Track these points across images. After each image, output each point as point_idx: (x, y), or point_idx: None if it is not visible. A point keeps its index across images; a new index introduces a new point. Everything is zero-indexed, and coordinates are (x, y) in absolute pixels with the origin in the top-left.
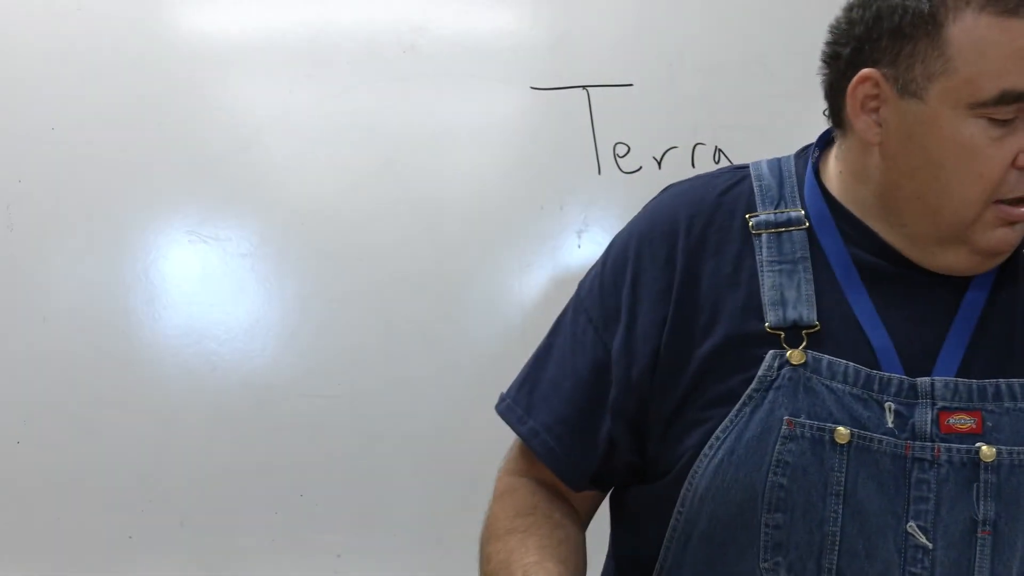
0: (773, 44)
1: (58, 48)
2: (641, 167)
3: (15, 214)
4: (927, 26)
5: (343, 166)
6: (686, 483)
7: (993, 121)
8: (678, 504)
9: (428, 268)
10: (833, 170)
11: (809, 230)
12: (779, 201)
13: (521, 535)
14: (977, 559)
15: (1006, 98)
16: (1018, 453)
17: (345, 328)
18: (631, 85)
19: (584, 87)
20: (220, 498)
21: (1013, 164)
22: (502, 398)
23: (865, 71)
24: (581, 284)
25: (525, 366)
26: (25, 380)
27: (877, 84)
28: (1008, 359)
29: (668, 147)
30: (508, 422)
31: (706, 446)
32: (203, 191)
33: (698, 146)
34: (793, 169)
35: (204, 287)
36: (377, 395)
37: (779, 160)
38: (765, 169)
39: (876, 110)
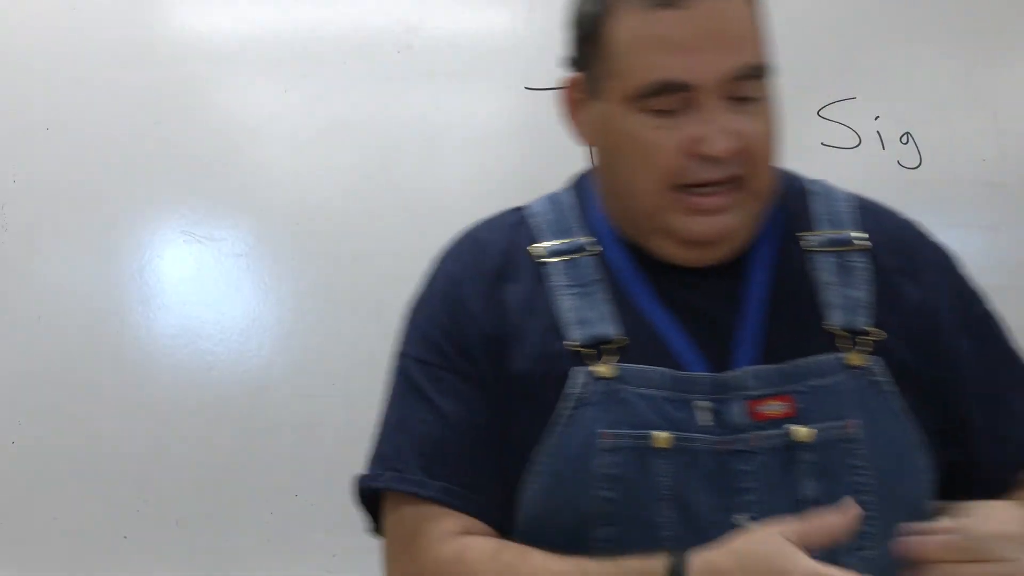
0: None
1: (52, 48)
2: None
3: (9, 214)
4: (597, 28)
5: (338, 166)
6: (519, 510)
7: (656, 112)
8: (517, 532)
9: (423, 268)
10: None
11: (598, 253)
12: (562, 229)
13: (514, 552)
14: None
15: (655, 88)
16: (830, 428)
17: (340, 328)
18: None
19: None
20: (215, 498)
21: (688, 152)
22: (374, 476)
23: (570, 76)
24: (404, 351)
25: (382, 440)
26: (20, 380)
27: (580, 88)
28: (805, 338)
29: None
30: (406, 491)
31: (527, 473)
32: (198, 191)
33: None
34: (574, 199)
35: (199, 287)
36: (372, 395)
37: (551, 196)
38: (539, 206)
39: (585, 113)
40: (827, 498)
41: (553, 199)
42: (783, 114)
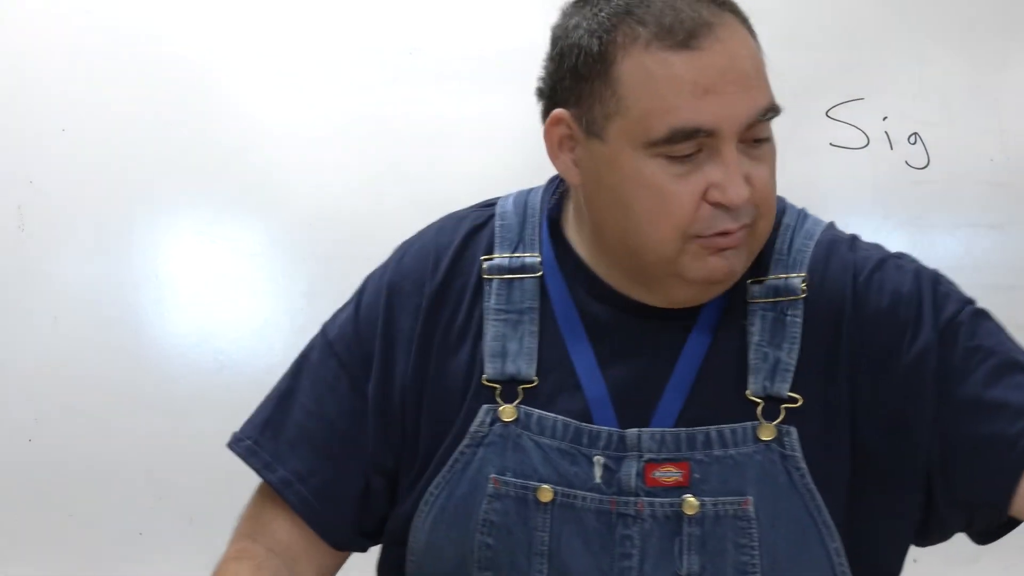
0: (775, 45)
1: (68, 50)
2: None
3: (26, 215)
4: (599, 65)
5: (351, 167)
6: (409, 541)
7: (673, 159)
8: (406, 563)
9: None
10: (570, 210)
11: (542, 277)
12: (517, 244)
13: None
14: None
15: (677, 136)
16: (723, 503)
17: None
18: None
19: None
20: (229, 496)
21: (704, 199)
22: (238, 438)
23: (556, 112)
24: (328, 325)
25: (263, 405)
26: (36, 379)
27: (569, 125)
28: (725, 403)
29: None
30: (253, 467)
31: (422, 502)
32: (212, 192)
33: None
34: (539, 205)
35: (213, 287)
36: None
37: (528, 193)
38: (511, 206)
39: (573, 150)
40: (707, 574)
41: (523, 202)
42: (791, 114)
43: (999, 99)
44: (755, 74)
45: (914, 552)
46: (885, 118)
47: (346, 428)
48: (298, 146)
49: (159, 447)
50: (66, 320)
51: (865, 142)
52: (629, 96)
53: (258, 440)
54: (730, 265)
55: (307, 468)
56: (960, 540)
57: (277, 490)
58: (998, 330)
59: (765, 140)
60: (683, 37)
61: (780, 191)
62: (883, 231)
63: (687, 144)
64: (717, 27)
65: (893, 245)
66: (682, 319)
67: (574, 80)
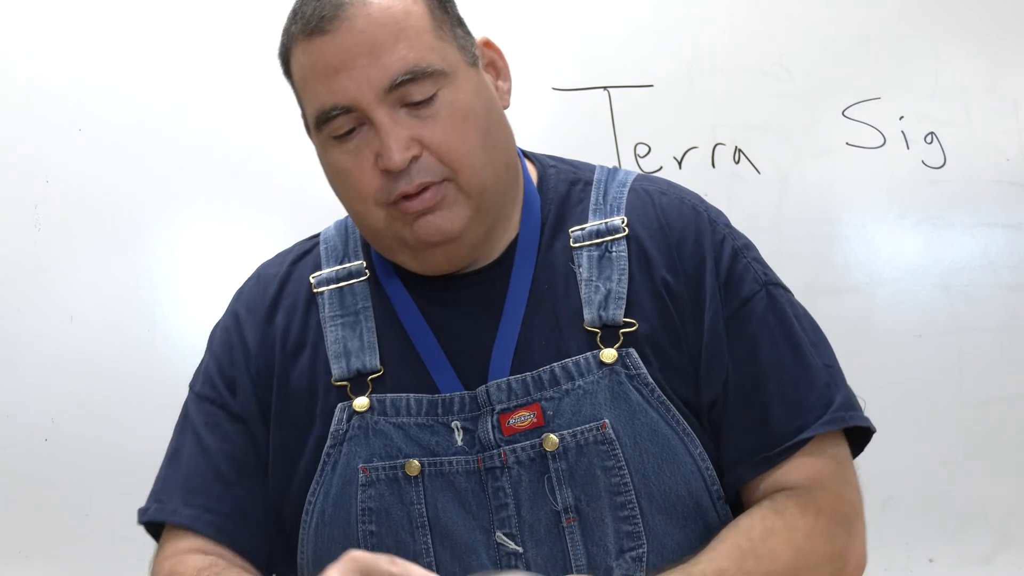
0: (792, 44)
1: (84, 49)
2: (662, 167)
3: (42, 214)
4: (285, 67)
5: None
6: (299, 554)
7: (341, 139)
8: (305, 570)
9: None
10: None
11: (372, 279)
12: (342, 257)
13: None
14: (570, 548)
15: (323, 117)
16: (582, 433)
17: None
18: (651, 86)
19: (605, 88)
20: None
21: (376, 167)
22: (143, 510)
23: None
24: (192, 383)
25: (158, 475)
26: (53, 378)
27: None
28: (561, 341)
29: (688, 147)
30: (159, 519)
31: (303, 514)
32: (229, 191)
33: (718, 146)
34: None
35: (230, 285)
36: None
37: (345, 219)
38: (332, 229)
39: None
40: (586, 504)
41: (344, 223)
42: (807, 114)
43: (1016, 98)
44: (390, 41)
45: (929, 551)
46: (902, 117)
47: (236, 454)
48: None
49: None
50: (82, 319)
51: (882, 142)
52: (299, 90)
53: (159, 499)
54: (442, 224)
55: (211, 502)
56: (976, 540)
57: (188, 526)
58: (783, 326)
59: (431, 100)
60: (316, 23)
61: (797, 189)
62: (899, 231)
63: (340, 122)
64: (348, 7)
65: (910, 245)
66: (496, 272)
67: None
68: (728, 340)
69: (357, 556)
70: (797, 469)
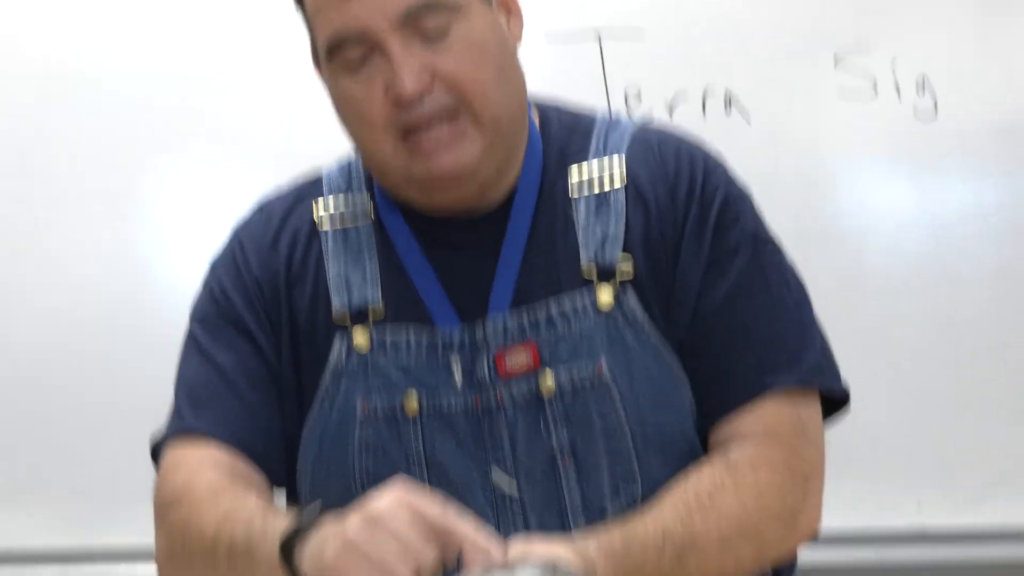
0: None
1: (81, 7)
2: (653, 115)
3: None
4: None
5: None
6: (297, 483)
7: (352, 68)
8: (302, 496)
9: None
10: None
11: (376, 217)
12: (345, 192)
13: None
14: (565, 490)
15: (336, 45)
16: (578, 374)
17: None
18: (642, 34)
19: (596, 35)
20: None
21: (387, 97)
22: (153, 441)
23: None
24: (192, 313)
25: (172, 402)
26: (41, 325)
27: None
28: (556, 284)
29: (678, 97)
30: (174, 432)
31: (300, 448)
32: (217, 132)
33: (708, 97)
34: (358, 158)
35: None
36: None
37: (350, 156)
38: (335, 167)
39: None
40: (581, 445)
41: (347, 161)
42: (798, 63)
43: (1010, 47)
44: None
45: (918, 495)
46: (894, 67)
47: (246, 364)
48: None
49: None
50: (72, 270)
51: (873, 91)
52: (310, 19)
53: (171, 426)
54: (454, 158)
55: (224, 411)
56: (964, 484)
57: (207, 432)
58: (765, 281)
59: (445, 33)
60: None
61: (788, 139)
62: (890, 180)
63: (352, 51)
64: None
65: (901, 195)
66: (499, 217)
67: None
68: (702, 287)
69: (406, 496)
70: (755, 420)
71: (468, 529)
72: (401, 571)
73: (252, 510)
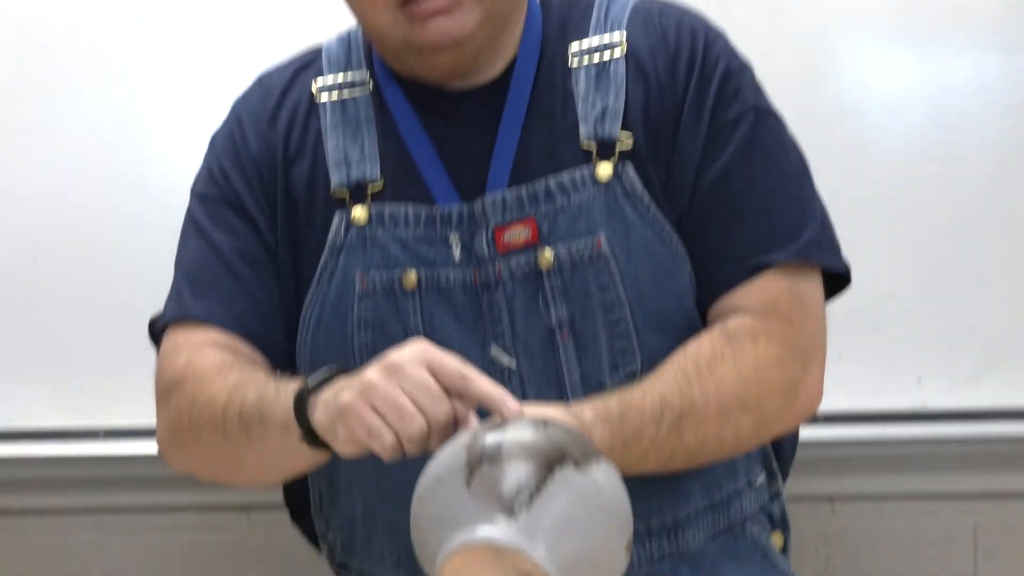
0: None
1: None
2: None
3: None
4: None
5: None
6: (297, 359)
7: None
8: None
9: None
10: None
11: (374, 90)
12: (345, 66)
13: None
14: (564, 364)
15: None
16: (576, 248)
17: None
18: None
19: None
20: None
21: None
22: (158, 318)
23: None
24: (193, 189)
25: (170, 290)
26: (39, 210)
27: None
28: (557, 156)
29: None
30: (172, 318)
31: (300, 325)
32: (221, 37)
33: None
34: (362, 34)
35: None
36: None
37: (351, 29)
38: (335, 41)
39: None
40: (580, 320)
41: (347, 34)
42: None
43: None
44: None
45: (918, 372)
46: None
47: (245, 247)
48: None
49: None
50: (69, 149)
51: None
52: None
53: (171, 308)
54: (452, 25)
55: (222, 295)
56: (964, 361)
57: (204, 318)
58: (764, 154)
59: None
60: None
61: (788, 11)
62: (892, 53)
63: None
64: None
65: (902, 68)
66: (498, 89)
67: None
68: (702, 159)
69: (427, 347)
70: (754, 293)
71: (486, 384)
72: (415, 418)
73: (263, 378)
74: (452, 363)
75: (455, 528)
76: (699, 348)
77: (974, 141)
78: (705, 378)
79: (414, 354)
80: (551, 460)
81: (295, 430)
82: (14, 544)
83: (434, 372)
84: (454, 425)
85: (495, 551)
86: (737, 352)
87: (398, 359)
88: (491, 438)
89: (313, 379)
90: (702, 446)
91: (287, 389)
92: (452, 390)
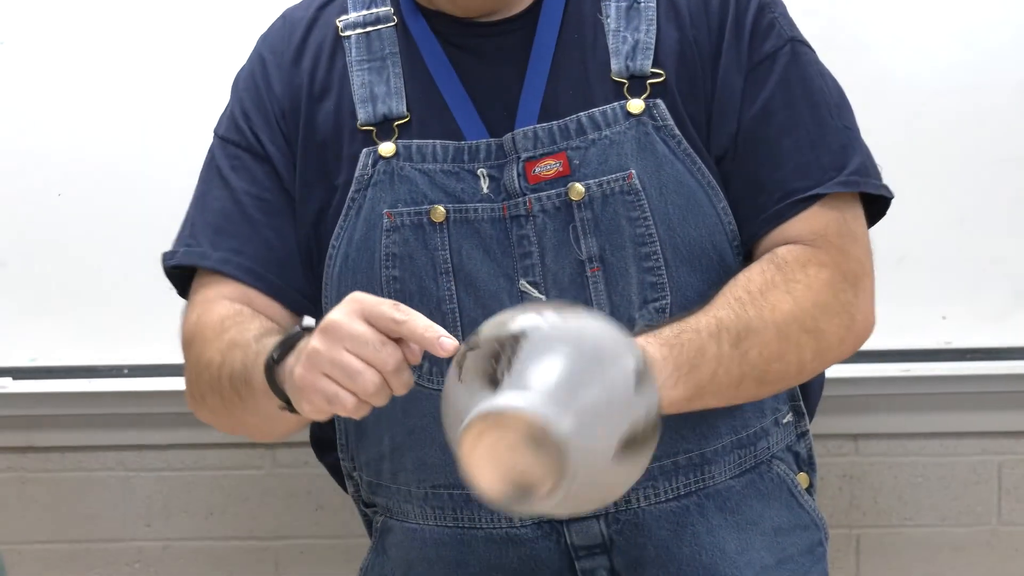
0: None
1: None
2: None
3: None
4: None
5: None
6: (323, 297)
7: None
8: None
9: None
10: None
11: (400, 25)
12: (370, 4)
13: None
14: (593, 297)
15: None
16: (608, 182)
17: None
18: None
19: None
20: None
21: None
22: (168, 255)
23: None
24: (216, 128)
25: (184, 221)
26: (67, 139)
27: None
28: (587, 90)
29: None
30: (188, 263)
31: (327, 258)
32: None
33: None
34: None
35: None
36: None
37: None
38: None
39: None
40: (610, 254)
41: None
42: None
43: None
44: None
45: (943, 309)
46: None
47: (264, 194)
48: None
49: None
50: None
51: None
52: None
53: (187, 243)
54: None
55: (239, 244)
56: (990, 298)
57: (218, 269)
58: (805, 84)
59: None
60: None
61: None
62: None
63: None
64: None
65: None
66: (527, 22)
67: None
68: (744, 94)
69: (360, 298)
70: (801, 223)
71: (421, 325)
72: (365, 373)
73: (250, 337)
74: (383, 310)
75: (459, 423)
76: (749, 276)
77: (1002, 74)
78: (759, 302)
79: (348, 309)
80: (523, 325)
81: (275, 399)
82: (39, 481)
83: (371, 322)
84: (409, 369)
85: (490, 422)
86: (788, 278)
87: (334, 319)
88: (472, 336)
89: (276, 349)
90: (768, 365)
91: (265, 350)
92: (390, 336)
